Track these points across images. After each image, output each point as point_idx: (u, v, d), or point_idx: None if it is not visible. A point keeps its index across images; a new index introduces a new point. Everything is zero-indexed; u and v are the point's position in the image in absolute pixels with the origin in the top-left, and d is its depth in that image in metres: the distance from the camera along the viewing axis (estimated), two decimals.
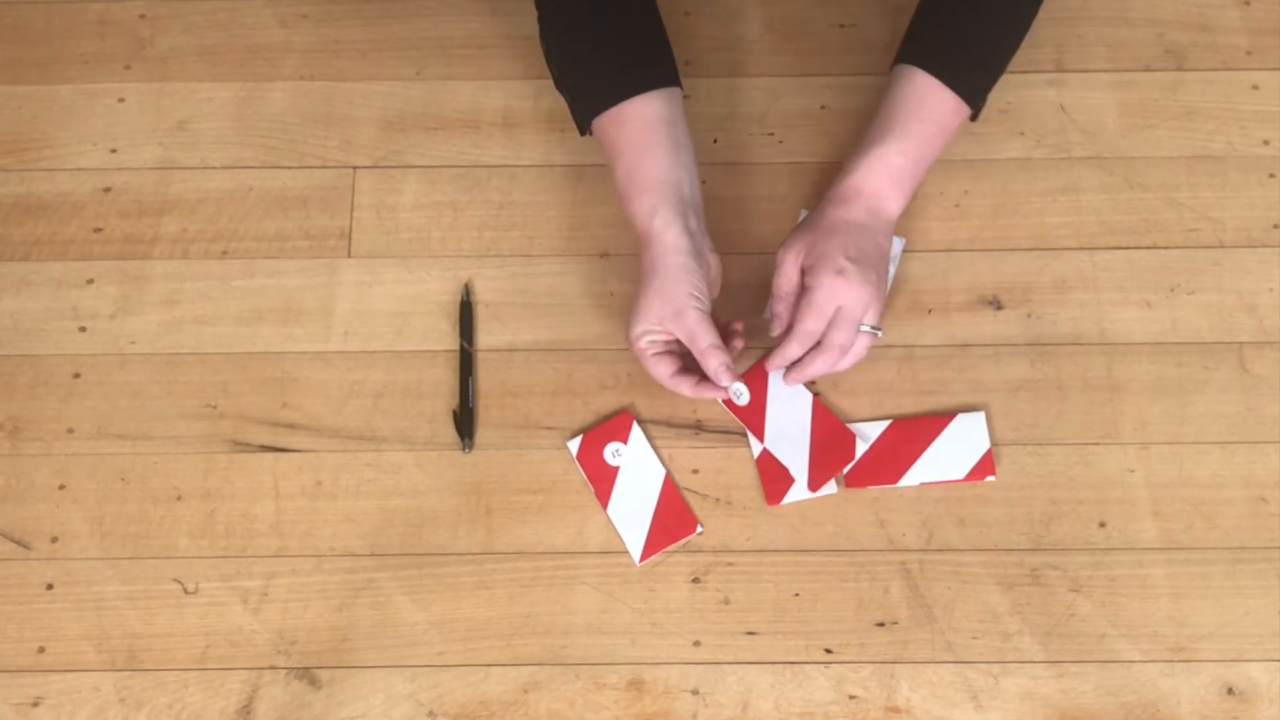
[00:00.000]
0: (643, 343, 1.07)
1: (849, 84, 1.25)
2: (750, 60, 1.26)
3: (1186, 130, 1.22)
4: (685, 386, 1.08)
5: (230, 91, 1.26)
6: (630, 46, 1.12)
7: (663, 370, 1.08)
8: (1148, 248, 1.17)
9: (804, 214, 1.19)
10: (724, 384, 1.07)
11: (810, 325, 1.07)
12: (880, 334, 1.09)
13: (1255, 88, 1.23)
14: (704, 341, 1.06)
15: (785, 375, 1.10)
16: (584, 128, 1.12)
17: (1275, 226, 1.18)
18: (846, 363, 1.09)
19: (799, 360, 1.09)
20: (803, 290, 1.08)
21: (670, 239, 1.06)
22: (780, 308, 1.10)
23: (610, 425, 1.12)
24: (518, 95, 1.25)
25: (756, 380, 1.12)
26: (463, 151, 1.23)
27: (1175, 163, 1.21)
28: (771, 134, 1.23)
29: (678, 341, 1.09)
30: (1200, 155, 1.21)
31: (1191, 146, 1.21)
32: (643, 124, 1.09)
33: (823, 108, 1.24)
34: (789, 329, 1.08)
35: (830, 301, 1.06)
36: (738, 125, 1.23)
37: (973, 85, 1.11)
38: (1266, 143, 1.21)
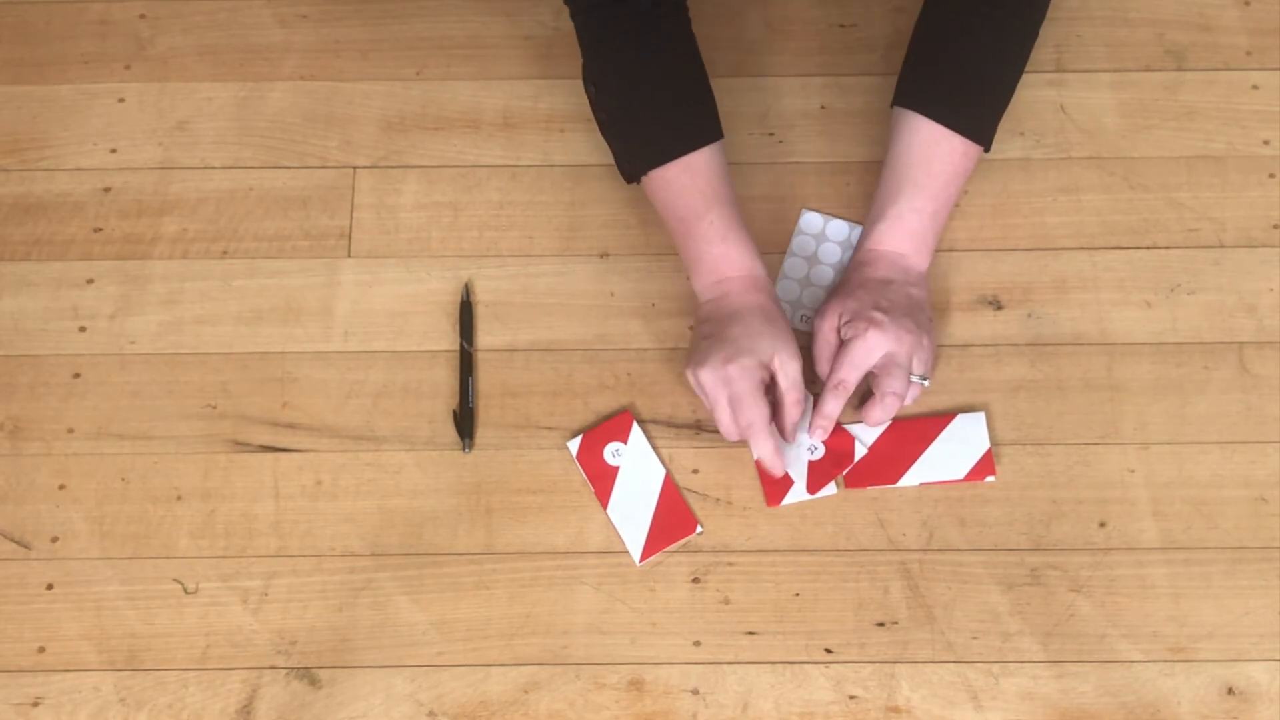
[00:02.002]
0: (756, 374, 1.04)
1: (849, 84, 1.25)
2: (750, 60, 1.26)
3: (1186, 130, 1.22)
4: (769, 446, 1.06)
5: (230, 91, 1.26)
6: (693, 93, 1.12)
7: (762, 412, 1.05)
8: (1148, 248, 1.17)
9: (804, 213, 1.19)
10: (795, 442, 1.09)
11: (842, 375, 1.07)
12: (927, 383, 1.10)
13: (1255, 88, 1.23)
14: (800, 391, 1.06)
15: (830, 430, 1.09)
16: (637, 175, 1.12)
17: (1275, 226, 1.18)
18: (888, 412, 1.08)
19: (829, 415, 1.08)
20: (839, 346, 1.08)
21: (772, 288, 1.09)
22: (825, 368, 1.10)
23: (610, 425, 1.12)
24: (518, 95, 1.25)
25: None
26: (463, 151, 1.23)
27: (1175, 163, 1.21)
28: (771, 134, 1.23)
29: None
30: (1200, 155, 1.21)
31: (1191, 146, 1.21)
32: (720, 173, 1.10)
33: (823, 108, 1.24)
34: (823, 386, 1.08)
35: (864, 353, 1.06)
36: (738, 125, 1.23)
37: (982, 126, 1.12)
38: (1266, 143, 1.21)
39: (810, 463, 1.10)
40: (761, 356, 1.05)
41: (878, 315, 1.06)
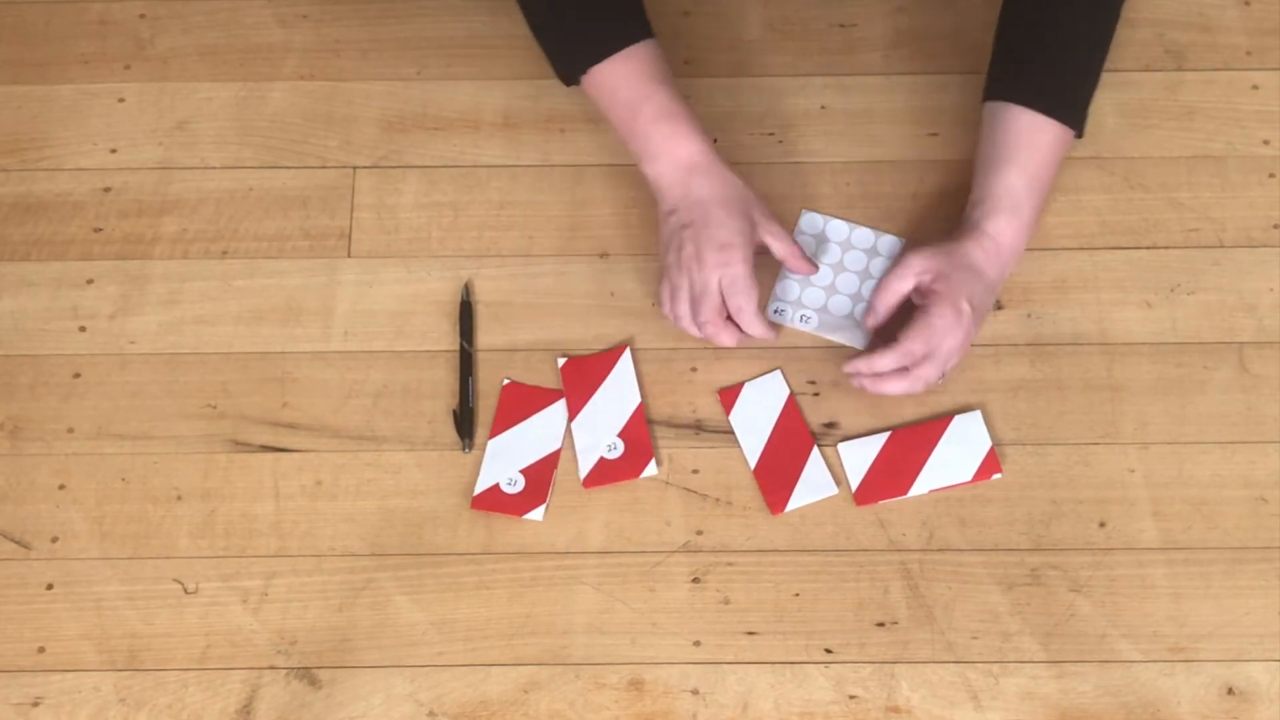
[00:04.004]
0: (751, 255, 1.07)
1: (849, 84, 1.25)
2: (750, 60, 1.26)
3: (1186, 130, 1.22)
4: (760, 321, 1.09)
5: (230, 91, 1.26)
6: None
7: (755, 294, 1.07)
8: (1148, 248, 1.17)
9: (804, 213, 1.19)
10: (807, 271, 1.12)
11: (917, 348, 1.05)
12: (939, 382, 1.09)
13: (1255, 88, 1.23)
14: (794, 242, 1.11)
15: (858, 378, 1.09)
16: (578, 73, 1.11)
17: (1275, 226, 1.18)
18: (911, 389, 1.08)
19: (877, 371, 1.07)
20: (919, 312, 1.07)
21: (722, 159, 1.11)
22: (880, 303, 1.09)
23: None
24: (518, 95, 1.25)
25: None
26: (463, 151, 1.23)
27: (1175, 163, 1.21)
28: (771, 134, 1.23)
29: None
30: (1200, 155, 1.21)
31: (1191, 146, 1.21)
32: (661, 63, 1.11)
33: (823, 108, 1.24)
34: (891, 344, 1.06)
35: (944, 334, 1.05)
36: (738, 125, 1.23)
37: (1080, 112, 1.11)
38: (1266, 143, 1.21)
39: (603, 459, 1.10)
40: (751, 236, 1.08)
41: (966, 307, 1.06)
